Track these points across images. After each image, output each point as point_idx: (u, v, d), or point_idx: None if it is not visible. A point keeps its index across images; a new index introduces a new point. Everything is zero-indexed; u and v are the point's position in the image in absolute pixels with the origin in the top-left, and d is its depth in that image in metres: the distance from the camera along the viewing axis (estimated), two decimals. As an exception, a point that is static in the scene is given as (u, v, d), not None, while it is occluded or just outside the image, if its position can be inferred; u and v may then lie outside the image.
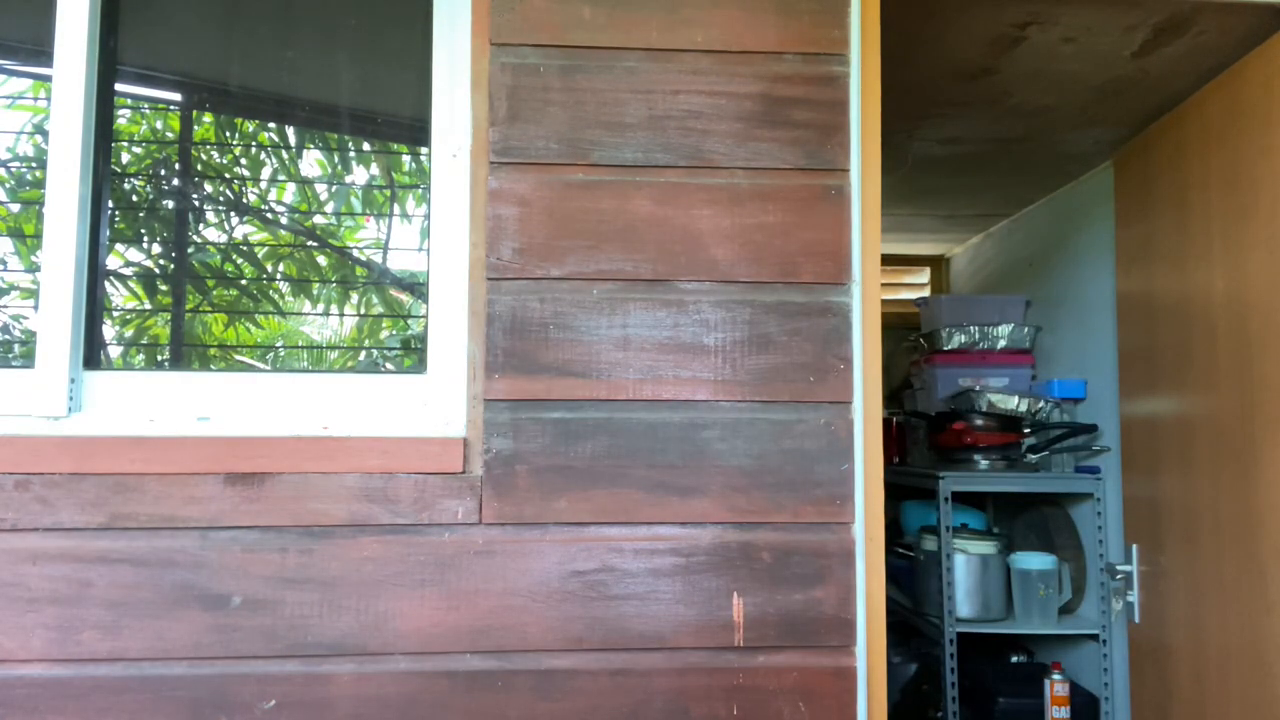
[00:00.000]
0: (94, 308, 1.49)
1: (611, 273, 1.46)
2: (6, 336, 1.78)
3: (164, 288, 1.85)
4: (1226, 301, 1.99)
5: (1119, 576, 2.35)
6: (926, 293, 4.26)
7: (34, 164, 1.73)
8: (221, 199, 1.90)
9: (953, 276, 4.22)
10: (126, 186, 1.79)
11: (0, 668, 1.34)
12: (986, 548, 2.77)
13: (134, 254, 1.81)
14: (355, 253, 2.12)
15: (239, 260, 1.92)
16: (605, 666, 1.41)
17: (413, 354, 1.80)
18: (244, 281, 1.95)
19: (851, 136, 1.51)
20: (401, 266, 2.05)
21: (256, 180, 1.96)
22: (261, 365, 2.03)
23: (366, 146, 1.92)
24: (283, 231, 2.01)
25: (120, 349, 1.80)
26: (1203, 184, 2.09)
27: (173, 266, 1.83)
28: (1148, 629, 2.29)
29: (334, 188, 1.99)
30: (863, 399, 1.48)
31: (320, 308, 2.07)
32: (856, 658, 1.45)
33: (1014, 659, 2.95)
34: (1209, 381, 2.05)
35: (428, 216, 1.55)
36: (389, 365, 1.78)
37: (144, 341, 1.87)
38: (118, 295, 1.78)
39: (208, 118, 1.88)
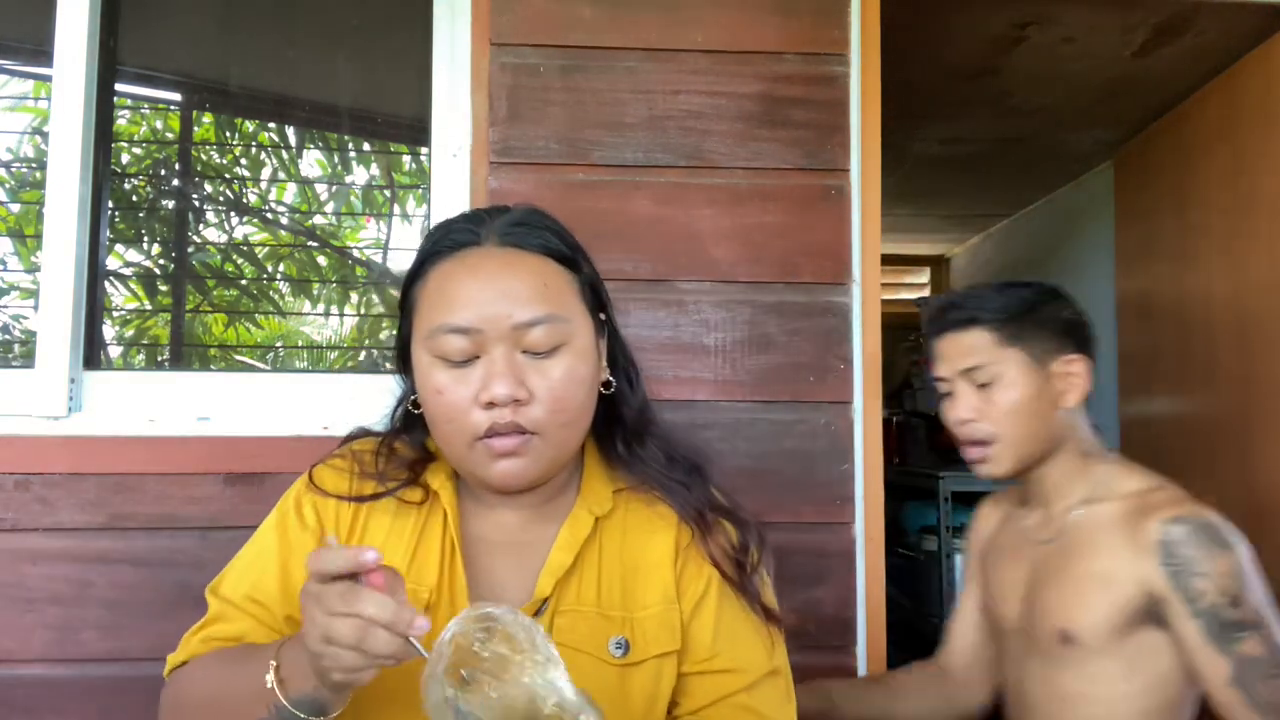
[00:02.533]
0: (94, 308, 1.49)
1: (611, 273, 1.45)
2: (6, 336, 1.78)
3: (164, 288, 1.85)
4: (1226, 301, 1.99)
5: (1119, 576, 2.34)
6: (926, 293, 4.25)
7: (34, 164, 1.73)
8: (221, 199, 1.90)
9: (953, 276, 4.22)
10: (126, 186, 1.79)
11: (0, 668, 1.34)
12: (986, 548, 2.77)
13: (134, 254, 1.81)
14: (355, 253, 2.11)
15: (239, 260, 1.92)
16: (605, 666, 1.40)
17: (413, 354, 1.80)
18: (244, 281, 1.95)
19: (851, 136, 1.50)
20: (401, 267, 2.05)
21: (256, 180, 1.95)
22: (261, 365, 2.03)
23: (366, 146, 1.92)
24: (283, 231, 2.01)
25: (120, 349, 1.80)
26: (1203, 184, 2.09)
27: (173, 266, 1.83)
28: (1148, 629, 2.29)
29: (334, 188, 1.99)
30: (863, 399, 1.48)
31: (320, 308, 2.06)
32: (856, 658, 1.45)
33: (1014, 659, 2.95)
34: (1209, 382, 2.05)
35: (428, 216, 1.55)
36: (389, 365, 1.78)
37: (144, 341, 1.87)
38: (118, 295, 1.78)
39: (208, 118, 1.88)
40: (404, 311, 0.91)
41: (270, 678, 0.72)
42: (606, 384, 0.91)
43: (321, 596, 0.67)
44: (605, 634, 0.85)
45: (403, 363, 0.92)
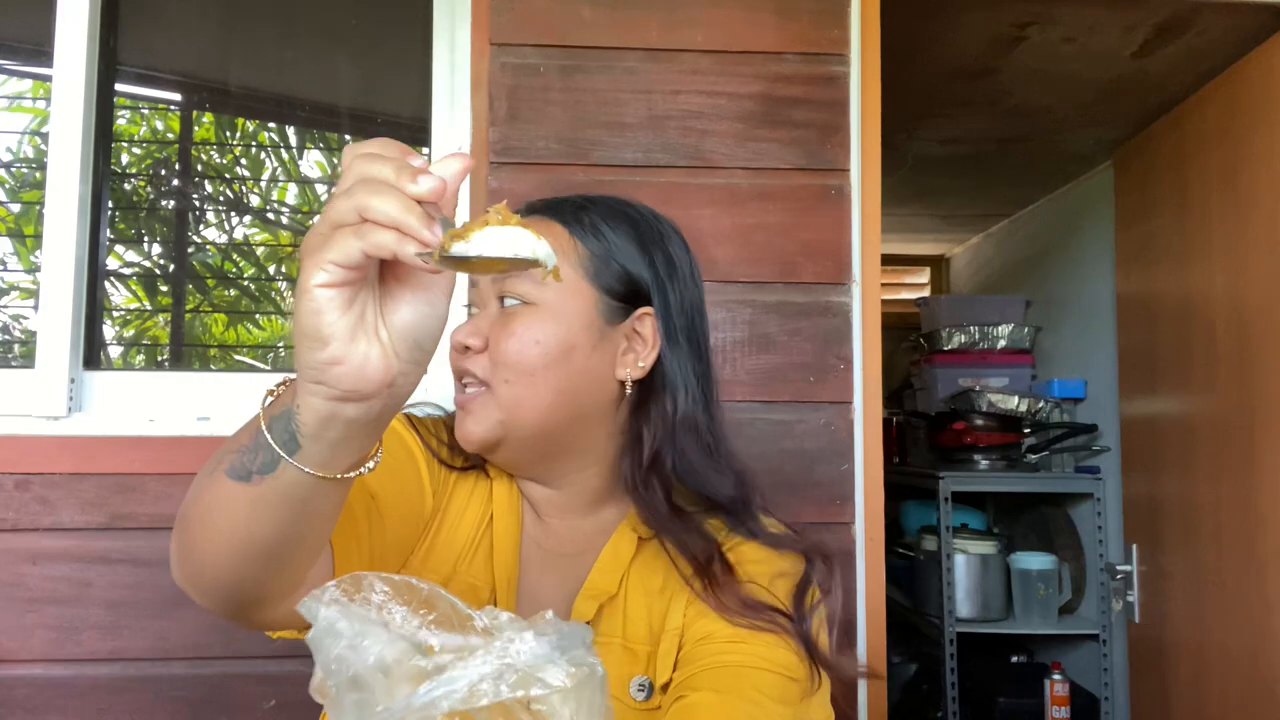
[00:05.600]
0: (94, 308, 1.49)
1: (611, 273, 1.46)
2: (6, 336, 1.78)
3: (164, 288, 1.85)
4: (1226, 301, 1.99)
5: (1119, 576, 2.35)
6: (926, 293, 4.25)
7: (34, 165, 1.73)
8: (221, 199, 1.90)
9: (953, 276, 4.22)
10: (126, 186, 1.79)
11: (0, 668, 1.34)
12: (986, 548, 2.77)
13: (134, 254, 1.81)
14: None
15: (239, 260, 1.92)
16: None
17: (413, 354, 1.80)
18: (244, 281, 1.95)
19: (851, 136, 1.50)
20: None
21: (256, 180, 1.95)
22: (262, 365, 2.03)
23: (366, 146, 1.92)
24: (283, 231, 2.01)
25: (120, 349, 1.80)
26: (1203, 184, 2.09)
27: (173, 266, 1.83)
28: (1148, 629, 2.29)
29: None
30: (863, 399, 1.48)
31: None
32: (856, 657, 1.45)
33: (1014, 659, 2.95)
34: (1209, 381, 2.05)
35: (428, 216, 1.54)
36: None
37: (144, 341, 1.87)
38: (118, 295, 1.78)
39: (208, 118, 1.88)
40: None
41: (265, 391, 0.60)
42: (629, 384, 0.85)
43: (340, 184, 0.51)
44: (630, 672, 0.78)
45: None
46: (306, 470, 0.55)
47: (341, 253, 0.48)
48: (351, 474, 0.58)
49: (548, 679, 0.46)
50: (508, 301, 0.83)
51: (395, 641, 0.47)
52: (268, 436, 0.55)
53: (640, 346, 0.86)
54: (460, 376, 0.83)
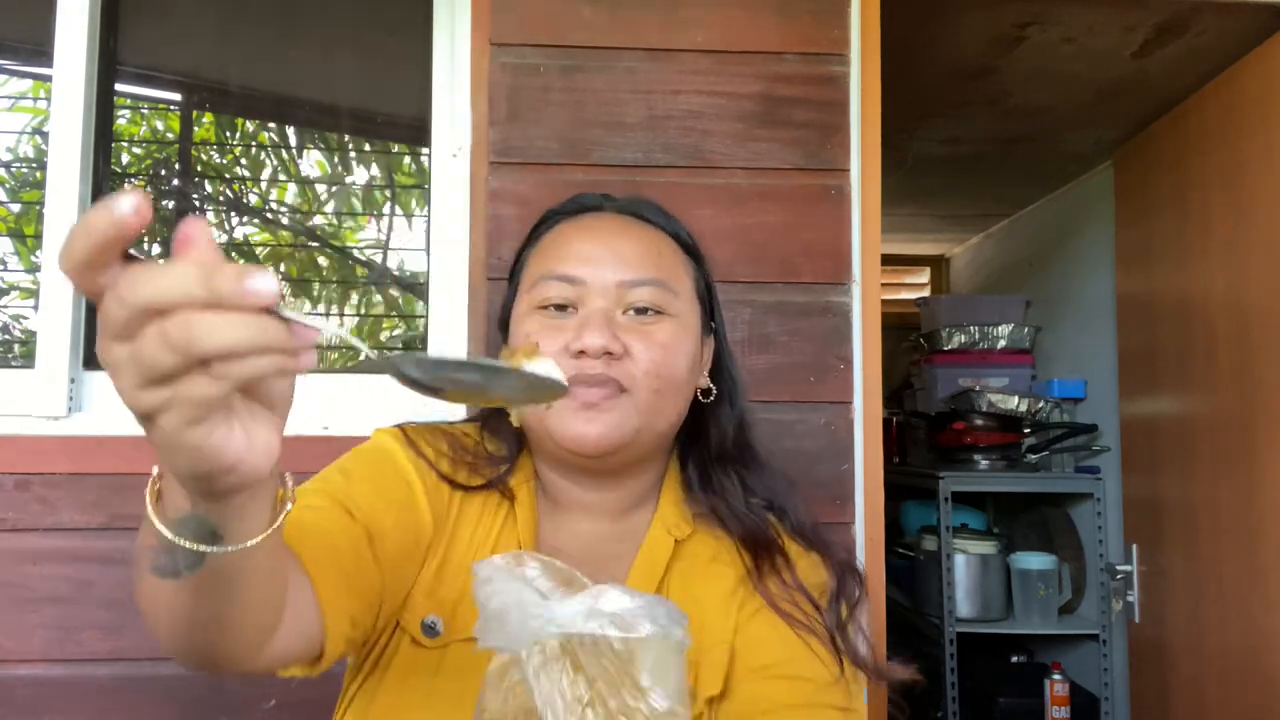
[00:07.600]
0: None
1: (611, 273, 1.46)
2: (6, 336, 1.78)
3: (164, 288, 1.85)
4: (1226, 301, 1.99)
5: (1119, 576, 2.35)
6: (926, 293, 4.25)
7: (34, 165, 1.73)
8: (221, 199, 1.90)
9: (953, 276, 4.22)
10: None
11: (0, 668, 1.34)
12: (986, 548, 2.77)
13: (133, 254, 1.82)
14: (355, 253, 2.11)
15: (239, 260, 1.92)
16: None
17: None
18: (244, 281, 1.95)
19: (851, 136, 1.50)
20: (402, 266, 2.05)
21: (256, 180, 1.95)
22: (261, 365, 2.03)
23: (367, 146, 1.92)
24: (283, 232, 2.01)
25: (120, 349, 1.80)
26: (1203, 184, 2.09)
27: (173, 266, 1.83)
28: (1148, 629, 2.29)
29: (334, 188, 1.99)
30: (863, 399, 1.48)
31: (320, 308, 2.06)
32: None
33: (1014, 659, 2.95)
34: (1209, 381, 2.05)
35: (428, 216, 1.55)
36: (389, 365, 1.78)
37: (144, 341, 1.87)
38: (118, 295, 1.78)
39: (208, 118, 1.87)
40: (511, 278, 0.90)
41: (148, 491, 0.50)
42: (706, 391, 0.89)
43: (104, 314, 0.40)
44: None
45: (504, 335, 0.90)
46: (243, 547, 0.50)
47: (202, 406, 0.41)
48: (281, 516, 0.54)
49: (625, 626, 0.59)
50: (638, 312, 0.82)
51: (523, 589, 0.64)
52: (180, 543, 0.48)
53: (707, 351, 0.91)
54: (576, 378, 0.78)
